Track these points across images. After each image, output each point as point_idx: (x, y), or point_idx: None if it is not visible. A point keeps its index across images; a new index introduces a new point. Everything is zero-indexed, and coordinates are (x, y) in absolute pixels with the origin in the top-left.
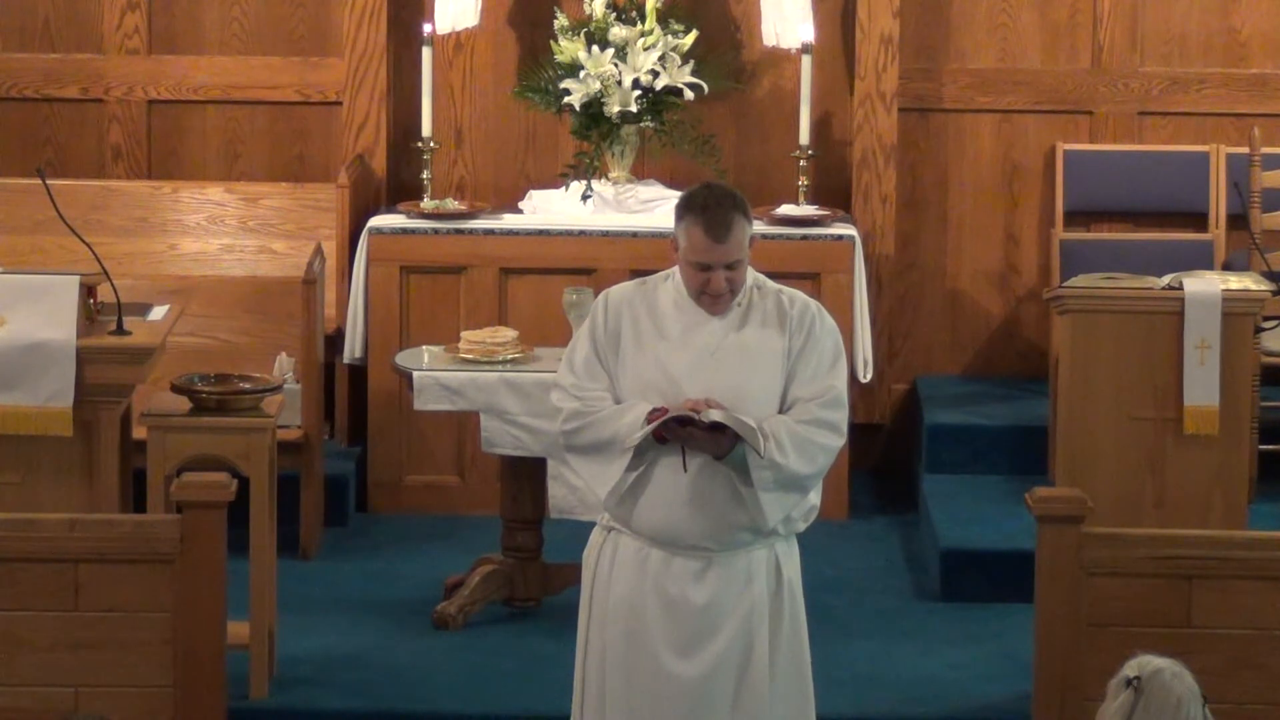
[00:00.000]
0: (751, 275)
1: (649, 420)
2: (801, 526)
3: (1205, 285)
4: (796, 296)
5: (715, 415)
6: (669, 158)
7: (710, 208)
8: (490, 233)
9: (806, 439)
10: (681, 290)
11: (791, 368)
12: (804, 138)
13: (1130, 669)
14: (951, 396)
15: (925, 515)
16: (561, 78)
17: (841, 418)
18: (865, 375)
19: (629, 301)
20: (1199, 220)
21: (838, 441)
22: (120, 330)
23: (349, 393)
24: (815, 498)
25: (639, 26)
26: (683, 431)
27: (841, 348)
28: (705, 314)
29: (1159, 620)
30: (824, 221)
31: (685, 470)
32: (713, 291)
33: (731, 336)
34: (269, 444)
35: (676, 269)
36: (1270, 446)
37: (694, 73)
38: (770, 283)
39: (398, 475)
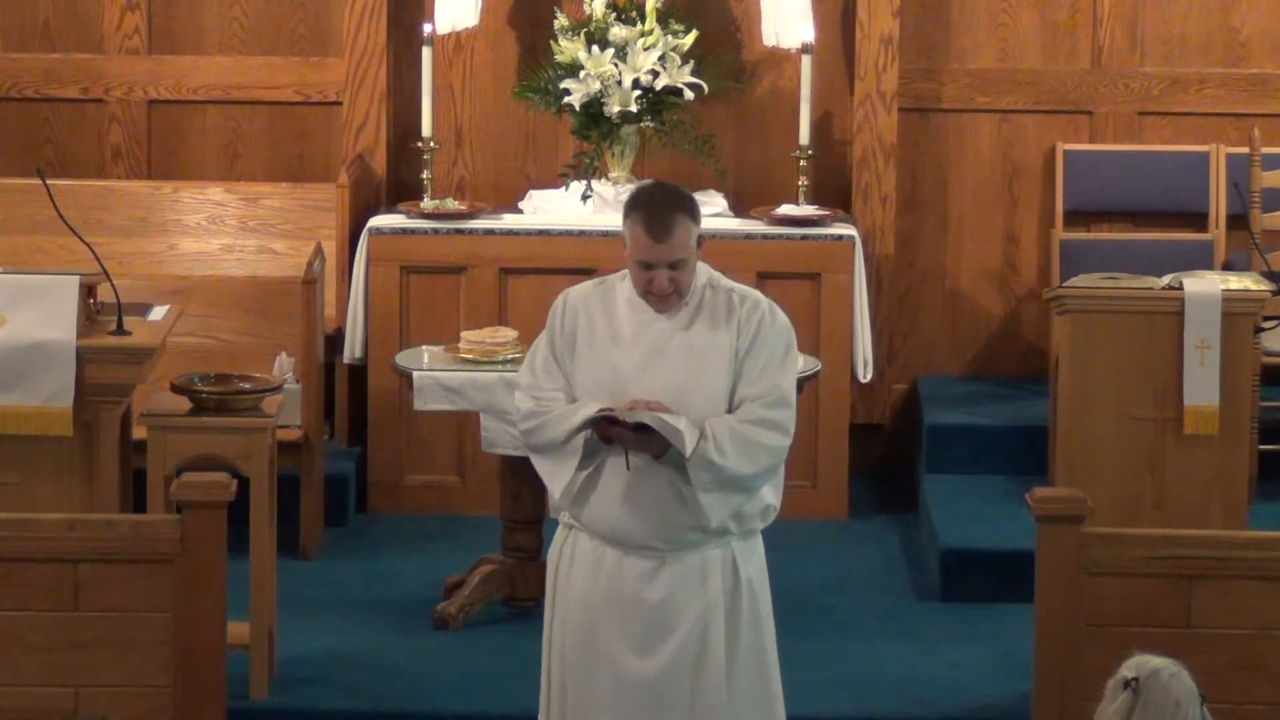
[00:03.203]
0: (705, 274)
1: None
2: (759, 525)
3: (1205, 285)
4: (748, 295)
5: (641, 416)
6: (669, 158)
7: (652, 207)
8: (490, 233)
9: (748, 439)
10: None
11: (739, 367)
12: (804, 138)
13: (1128, 670)
14: (951, 396)
15: (925, 515)
16: (561, 78)
17: (787, 417)
18: (865, 375)
19: (586, 302)
20: (1199, 220)
21: (782, 441)
22: (120, 330)
23: (349, 393)
24: (773, 497)
25: (639, 26)
26: (612, 431)
27: (793, 347)
28: (655, 313)
29: (1159, 620)
30: (824, 221)
31: (628, 469)
32: (656, 291)
33: (679, 336)
34: (269, 444)
35: None
36: (1270, 446)
37: (694, 73)
38: (724, 281)
39: (398, 475)
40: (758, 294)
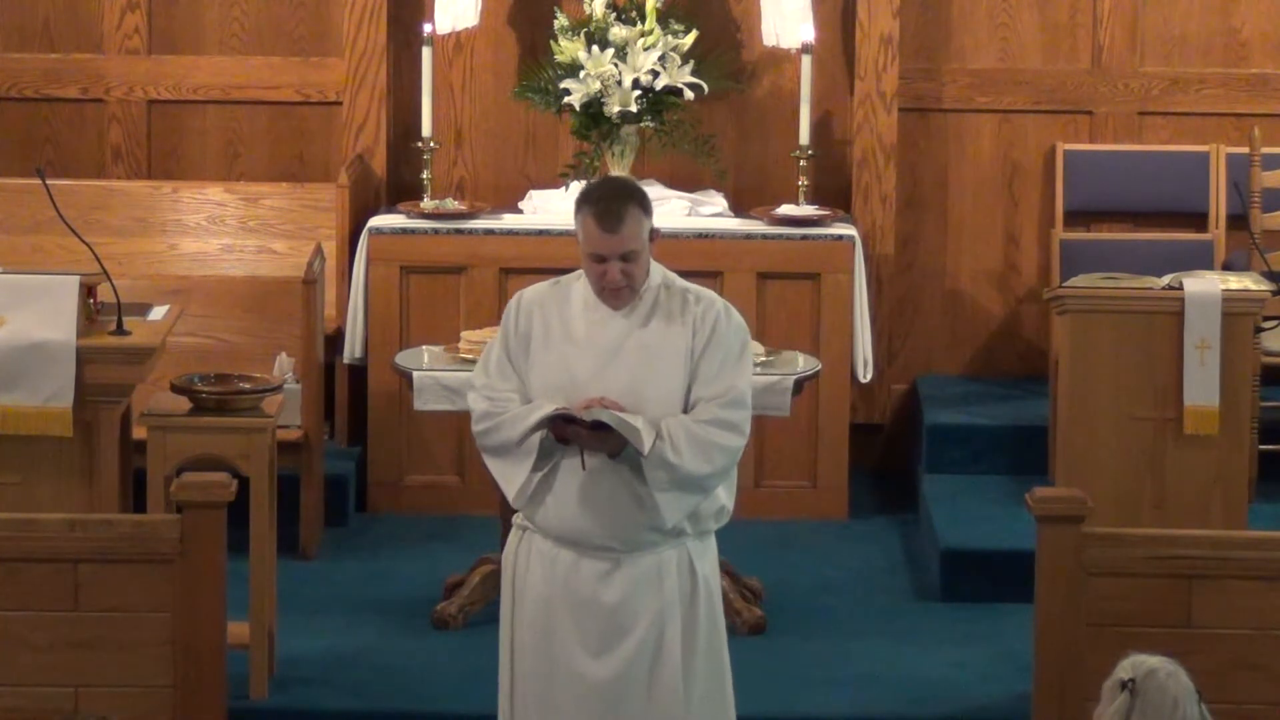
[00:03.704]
0: (661, 273)
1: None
2: (714, 526)
3: (1205, 285)
4: (703, 295)
5: (599, 414)
6: (669, 158)
7: (604, 199)
8: (490, 233)
9: (704, 439)
10: (590, 289)
11: (694, 367)
12: (804, 138)
13: (1123, 671)
14: (951, 396)
15: (925, 515)
16: (561, 78)
17: (743, 417)
18: (865, 375)
19: (540, 302)
20: (1199, 220)
21: (738, 441)
22: (120, 330)
23: (349, 393)
24: (727, 498)
25: (639, 26)
26: (568, 431)
27: (748, 347)
28: (610, 313)
29: (1159, 620)
30: (824, 221)
31: (584, 470)
32: (609, 284)
33: (634, 336)
34: (269, 444)
35: None
36: (1270, 446)
37: (694, 73)
38: (679, 280)
39: (398, 475)
40: (712, 293)
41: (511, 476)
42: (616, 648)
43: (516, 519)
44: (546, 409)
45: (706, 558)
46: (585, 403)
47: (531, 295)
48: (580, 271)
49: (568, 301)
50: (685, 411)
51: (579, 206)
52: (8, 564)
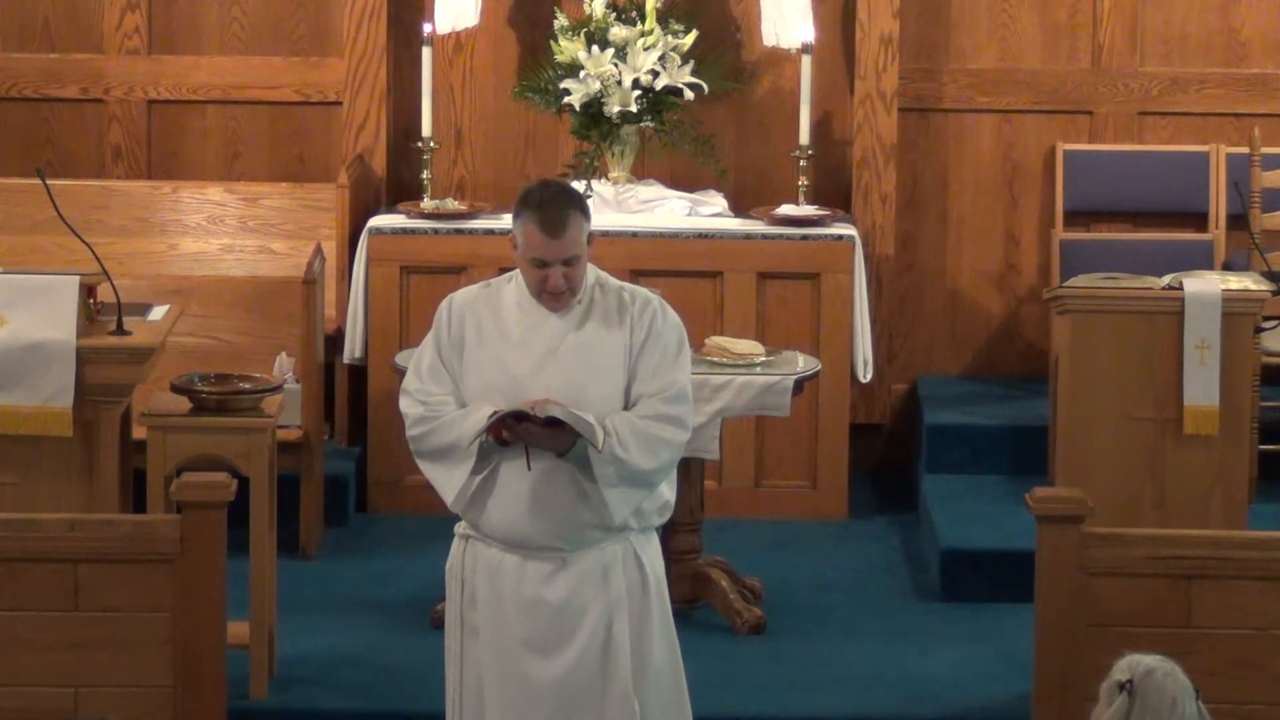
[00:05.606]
0: (594, 273)
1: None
2: (657, 521)
3: (1205, 285)
4: (638, 293)
5: (552, 410)
6: (669, 158)
7: (546, 204)
8: (490, 233)
9: (649, 434)
10: (524, 291)
11: (633, 364)
12: (804, 138)
13: (1120, 672)
14: (951, 396)
15: (925, 515)
16: (561, 78)
17: (685, 412)
18: (865, 375)
19: (472, 305)
20: (1199, 220)
21: (682, 435)
22: (120, 330)
23: (349, 393)
24: (669, 493)
25: (639, 26)
26: (520, 429)
27: (685, 342)
28: (547, 313)
29: (1159, 620)
30: (824, 221)
31: (529, 469)
32: (551, 289)
33: (572, 336)
34: (269, 444)
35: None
36: (1270, 446)
37: (694, 73)
38: (612, 280)
39: (398, 475)
40: (647, 291)
41: (449, 480)
42: (565, 647)
43: (459, 528)
44: (485, 410)
45: (652, 552)
46: (530, 403)
47: (463, 298)
48: (512, 274)
49: (500, 303)
50: (625, 409)
51: (519, 211)
52: (8, 564)
